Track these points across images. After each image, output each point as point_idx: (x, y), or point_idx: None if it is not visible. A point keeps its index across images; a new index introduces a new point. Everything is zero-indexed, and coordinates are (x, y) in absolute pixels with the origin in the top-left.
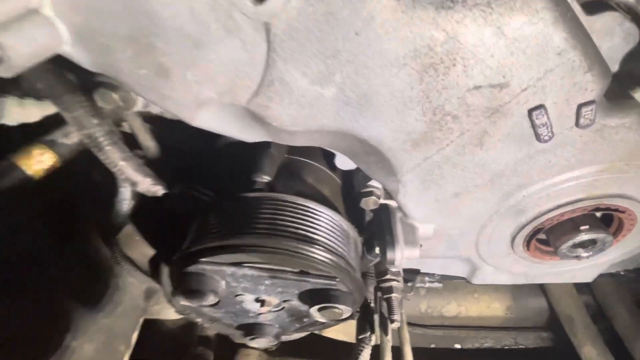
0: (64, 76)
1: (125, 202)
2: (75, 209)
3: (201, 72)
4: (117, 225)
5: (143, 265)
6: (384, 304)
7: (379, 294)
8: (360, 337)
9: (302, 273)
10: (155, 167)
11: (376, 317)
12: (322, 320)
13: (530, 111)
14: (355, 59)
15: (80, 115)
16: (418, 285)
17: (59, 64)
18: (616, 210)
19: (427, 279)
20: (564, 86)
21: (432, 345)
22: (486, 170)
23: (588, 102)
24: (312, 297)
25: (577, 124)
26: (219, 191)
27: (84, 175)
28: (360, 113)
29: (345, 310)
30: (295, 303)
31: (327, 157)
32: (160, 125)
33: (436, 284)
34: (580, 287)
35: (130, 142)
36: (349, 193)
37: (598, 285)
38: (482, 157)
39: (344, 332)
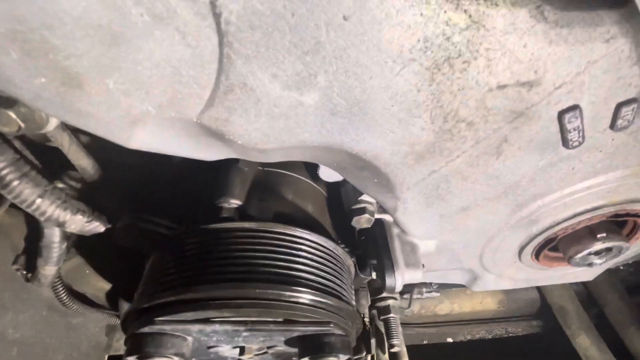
0: None
1: (55, 246)
2: None
3: (127, 79)
4: (49, 274)
5: (99, 299)
6: (384, 324)
7: (375, 312)
8: (355, 357)
9: (288, 322)
10: (96, 191)
11: (373, 341)
12: None
13: (561, 113)
14: (344, 54)
15: None
16: (415, 297)
17: None
18: (635, 215)
19: (424, 289)
20: (606, 82)
21: (424, 342)
22: (500, 183)
23: (629, 100)
24: (301, 343)
25: (612, 126)
26: (178, 221)
27: None
28: (352, 124)
29: (342, 357)
30: (282, 348)
31: (309, 166)
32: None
33: (434, 294)
34: None
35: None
36: (336, 205)
37: None
38: (497, 168)
39: None
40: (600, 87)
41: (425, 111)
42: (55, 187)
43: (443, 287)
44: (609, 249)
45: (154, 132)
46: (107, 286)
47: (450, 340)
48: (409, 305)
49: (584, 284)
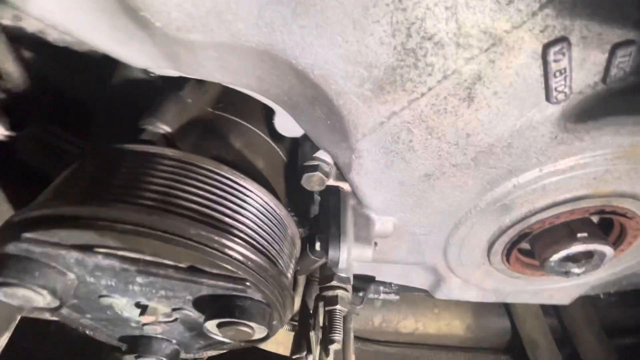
0: None
1: None
2: None
3: None
4: None
5: None
6: (327, 316)
7: (321, 304)
8: (294, 357)
9: (193, 270)
10: (20, 104)
11: (312, 334)
12: (225, 340)
13: (546, 47)
14: None
15: None
16: (371, 296)
17: None
18: (623, 215)
19: (382, 289)
20: (599, 11)
21: None
22: (471, 143)
23: (627, 41)
24: (211, 306)
25: (604, 77)
26: (92, 140)
27: None
28: (296, 18)
29: (257, 329)
30: (191, 313)
31: (272, 127)
32: (39, 52)
33: (392, 296)
34: (547, 309)
35: None
36: (294, 172)
37: (566, 307)
38: (468, 121)
39: (285, 345)
40: (593, 15)
41: (385, 14)
42: None
43: (408, 301)
44: (589, 254)
45: None
46: None
47: None
48: (362, 303)
49: (559, 319)
